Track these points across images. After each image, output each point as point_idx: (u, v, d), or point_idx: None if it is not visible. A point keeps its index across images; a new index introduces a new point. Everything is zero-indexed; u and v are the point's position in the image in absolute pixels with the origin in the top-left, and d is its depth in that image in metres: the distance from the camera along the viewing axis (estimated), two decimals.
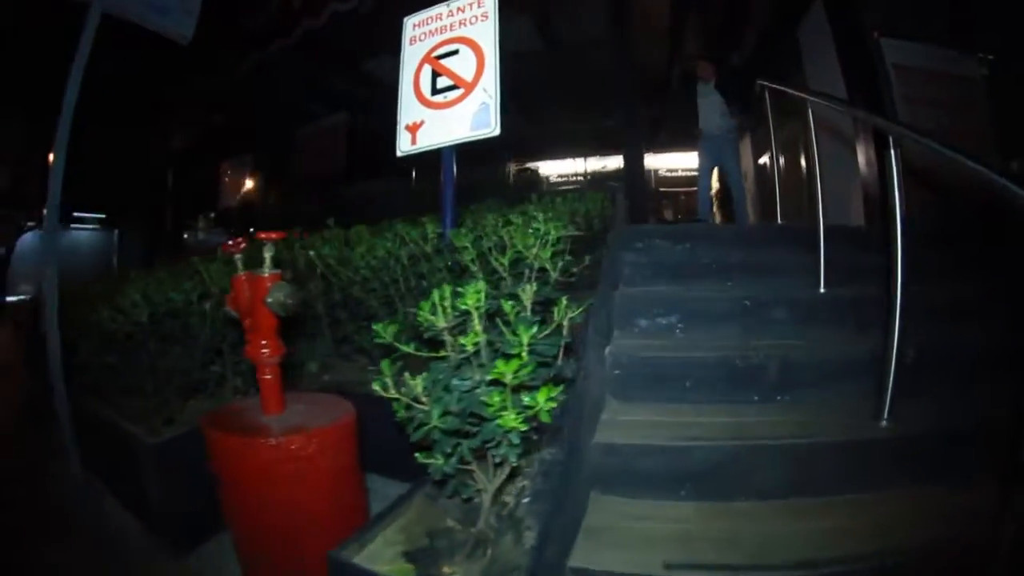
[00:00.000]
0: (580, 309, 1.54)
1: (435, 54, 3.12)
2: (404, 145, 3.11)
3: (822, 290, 2.53)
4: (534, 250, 1.89)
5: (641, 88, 8.47)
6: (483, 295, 1.37)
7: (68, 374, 2.79)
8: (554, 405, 1.17)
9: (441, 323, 1.38)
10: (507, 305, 1.40)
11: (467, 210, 3.86)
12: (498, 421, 1.18)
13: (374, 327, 1.44)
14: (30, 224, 17.59)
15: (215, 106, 12.09)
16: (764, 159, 8.69)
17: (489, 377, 1.22)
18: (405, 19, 3.29)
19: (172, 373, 2.80)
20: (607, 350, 2.13)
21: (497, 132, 2.79)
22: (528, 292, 1.53)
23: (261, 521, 1.80)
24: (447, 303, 1.38)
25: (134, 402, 2.81)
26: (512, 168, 11.23)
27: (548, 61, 8.83)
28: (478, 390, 1.29)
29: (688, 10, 7.74)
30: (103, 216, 21.15)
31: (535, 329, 1.29)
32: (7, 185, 16.62)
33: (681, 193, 14.42)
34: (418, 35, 3.23)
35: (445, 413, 1.26)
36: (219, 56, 10.63)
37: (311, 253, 3.23)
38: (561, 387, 1.21)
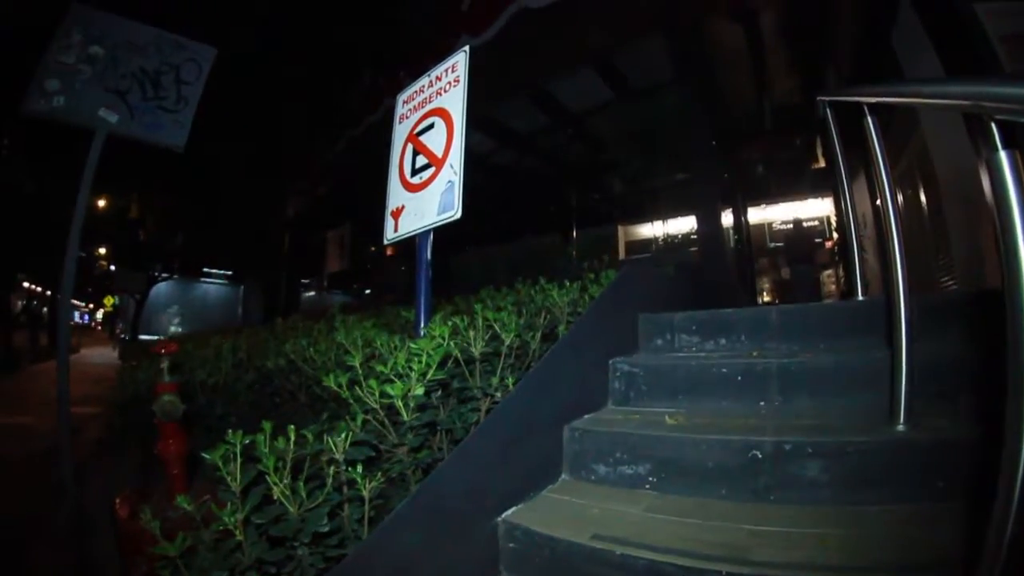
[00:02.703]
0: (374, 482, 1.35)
1: (416, 131, 2.84)
2: (389, 232, 2.85)
3: (900, 426, 1.52)
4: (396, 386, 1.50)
5: (726, 133, 7.67)
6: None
7: None
8: None
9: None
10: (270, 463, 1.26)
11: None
12: None
13: (203, 454, 1.35)
14: (164, 275, 20.73)
15: (320, 179, 13.08)
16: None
17: None
18: (398, 96, 3.06)
19: None
20: (503, 516, 1.56)
21: (459, 216, 2.39)
22: (340, 443, 1.37)
23: None
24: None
25: None
26: (578, 235, 10.54)
27: (620, 112, 8.30)
28: None
29: (767, 39, 6.89)
30: (230, 273, 24.45)
31: None
32: (146, 241, 19.48)
33: None
34: (406, 112, 3.01)
35: None
36: (319, 133, 11.57)
37: (286, 346, 3.04)
38: None
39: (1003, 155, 0.89)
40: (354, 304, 12.18)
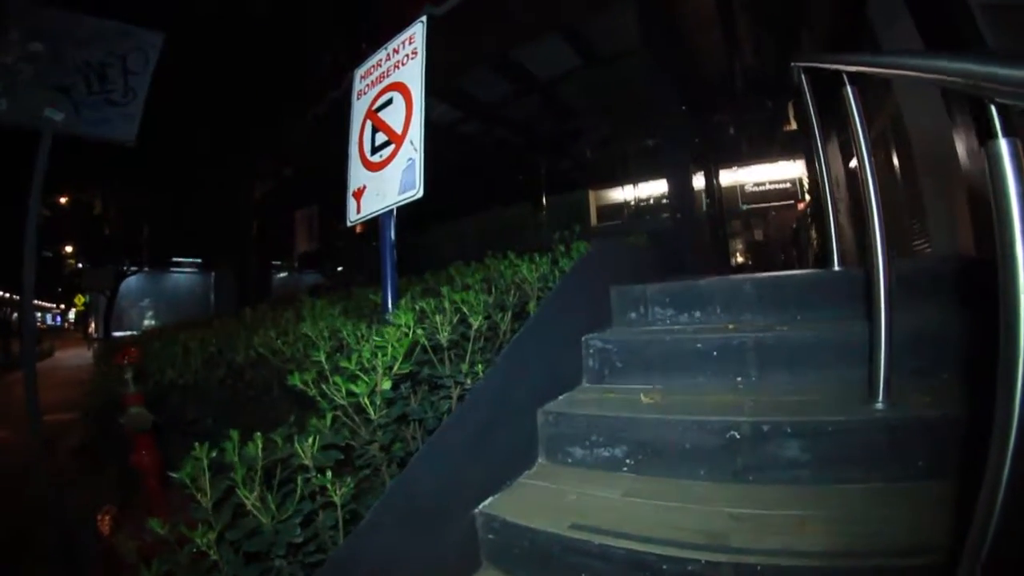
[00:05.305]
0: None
1: (375, 107, 2.71)
2: (352, 214, 2.75)
3: (879, 404, 1.49)
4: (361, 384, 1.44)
5: (697, 96, 7.59)
6: None
7: None
8: None
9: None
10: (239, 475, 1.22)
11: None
12: None
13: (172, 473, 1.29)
14: (133, 269, 20.21)
15: (285, 159, 12.72)
16: (855, 162, 7.32)
17: None
18: (355, 70, 2.92)
19: None
20: (480, 507, 1.53)
21: (421, 194, 2.30)
22: (308, 448, 1.31)
23: None
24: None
25: None
26: (547, 202, 10.37)
27: (589, 78, 8.12)
28: None
29: (741, 2, 6.77)
30: (200, 260, 24.04)
31: None
32: (113, 235, 18.96)
33: (772, 209, 12.95)
34: (363, 87, 2.86)
35: None
36: (284, 113, 11.21)
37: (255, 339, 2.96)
38: None
39: (1003, 143, 0.83)
40: (325, 284, 11.97)
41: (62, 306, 45.52)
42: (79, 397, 6.14)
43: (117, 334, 16.37)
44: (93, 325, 24.60)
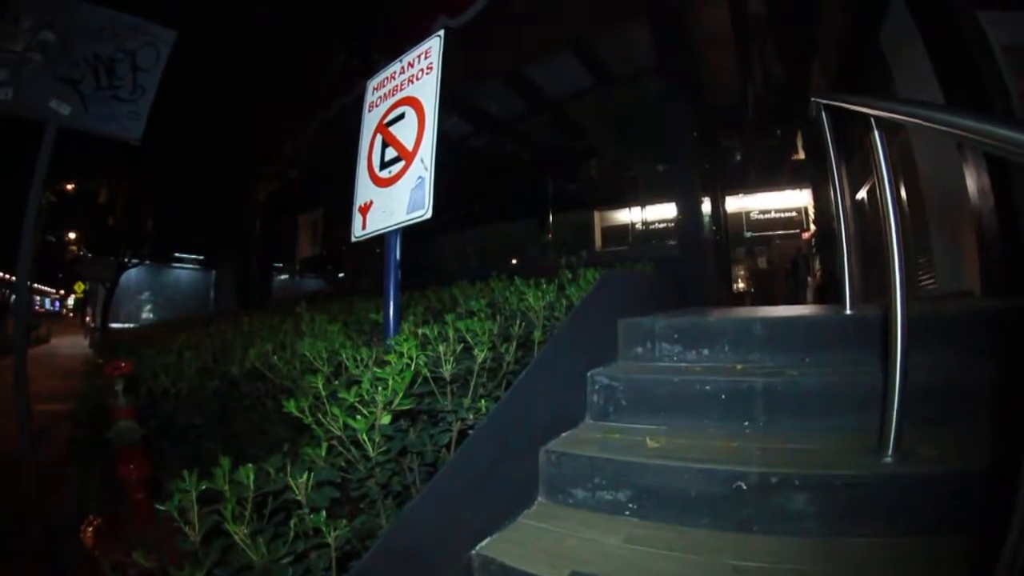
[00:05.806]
0: None
1: (386, 121, 2.68)
2: (357, 230, 2.71)
3: (888, 458, 1.43)
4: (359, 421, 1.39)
5: (707, 121, 7.59)
6: None
7: None
8: None
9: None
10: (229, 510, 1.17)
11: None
12: None
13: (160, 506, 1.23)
14: (134, 261, 20.15)
15: (292, 162, 12.72)
16: (863, 193, 7.29)
17: None
18: (368, 81, 2.90)
19: None
20: (477, 548, 1.47)
21: (429, 215, 2.26)
22: (303, 484, 1.26)
23: None
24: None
25: None
26: (553, 221, 10.33)
27: (599, 98, 8.15)
28: None
29: (754, 30, 6.79)
30: (202, 258, 24.07)
31: None
32: (117, 226, 18.96)
33: (776, 238, 12.94)
34: (375, 100, 2.83)
35: None
36: (292, 115, 11.21)
37: (251, 352, 2.90)
38: None
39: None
40: (326, 291, 11.92)
41: (61, 292, 45.47)
42: (72, 386, 6.07)
43: (115, 325, 16.30)
44: (91, 314, 24.48)
